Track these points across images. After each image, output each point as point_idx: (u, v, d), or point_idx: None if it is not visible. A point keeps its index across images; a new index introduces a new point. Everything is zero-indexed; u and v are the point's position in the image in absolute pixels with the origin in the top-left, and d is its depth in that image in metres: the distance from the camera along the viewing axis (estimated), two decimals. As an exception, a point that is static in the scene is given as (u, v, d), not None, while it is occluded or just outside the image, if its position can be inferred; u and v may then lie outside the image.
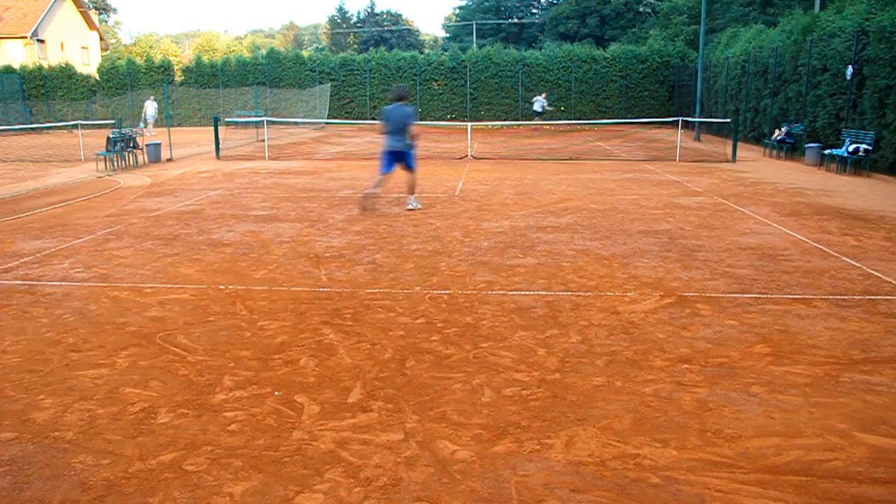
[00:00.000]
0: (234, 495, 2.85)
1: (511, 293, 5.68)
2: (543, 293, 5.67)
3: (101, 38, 48.41)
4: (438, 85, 33.53)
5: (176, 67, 37.30)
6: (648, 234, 7.94)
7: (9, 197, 11.53)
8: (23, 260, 6.93)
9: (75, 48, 43.31)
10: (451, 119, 31.85)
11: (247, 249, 7.31)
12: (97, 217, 9.39)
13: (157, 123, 27.30)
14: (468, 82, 33.12)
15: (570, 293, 5.67)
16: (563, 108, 31.68)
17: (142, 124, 26.67)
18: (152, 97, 28.27)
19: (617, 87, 32.31)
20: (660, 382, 3.93)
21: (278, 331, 4.81)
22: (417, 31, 70.36)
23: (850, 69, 14.51)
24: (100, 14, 56.43)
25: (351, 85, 33.82)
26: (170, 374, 4.09)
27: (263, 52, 37.67)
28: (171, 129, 21.73)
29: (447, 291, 5.73)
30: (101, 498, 2.83)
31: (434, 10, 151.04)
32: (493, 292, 5.71)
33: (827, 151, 14.70)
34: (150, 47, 56.79)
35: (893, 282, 5.96)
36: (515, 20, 58.33)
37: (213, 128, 18.44)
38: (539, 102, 28.83)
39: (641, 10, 48.76)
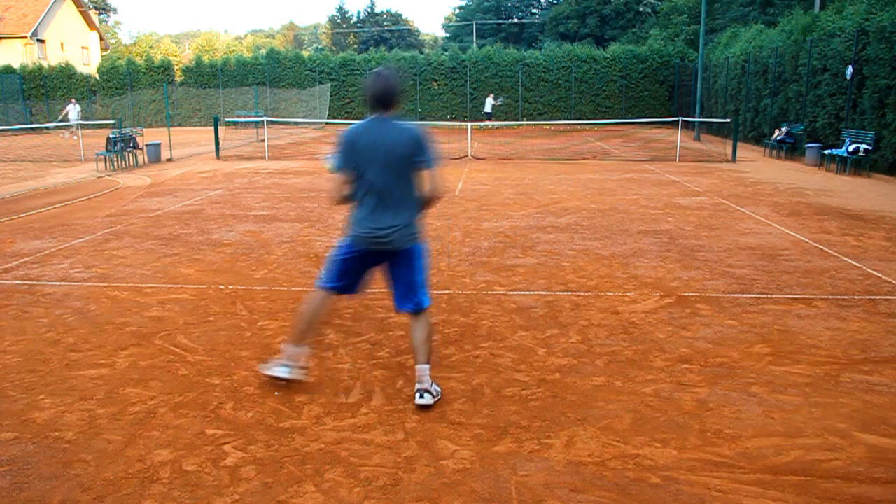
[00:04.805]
0: (234, 495, 2.85)
1: (511, 293, 5.68)
2: (543, 293, 5.67)
3: (101, 38, 48.44)
4: (438, 85, 33.53)
5: (176, 67, 37.32)
6: (648, 234, 7.94)
7: (9, 197, 11.53)
8: (23, 260, 6.93)
9: (75, 48, 43.32)
10: (451, 119, 31.83)
11: (247, 249, 7.31)
12: (97, 217, 9.39)
13: (155, 124, 27.05)
14: (468, 82, 33.11)
15: (570, 293, 5.67)
16: (506, 101, 31.62)
17: (64, 129, 25.01)
18: (74, 99, 27.51)
19: (617, 87, 32.32)
20: (660, 382, 3.93)
21: (278, 331, 4.80)
22: (417, 31, 70.40)
23: (850, 69, 14.51)
24: (100, 14, 56.44)
25: (351, 85, 33.81)
26: (170, 374, 4.09)
27: (263, 52, 37.68)
28: (171, 129, 21.72)
29: (447, 291, 5.73)
30: (100, 498, 2.83)
31: (434, 10, 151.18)
32: (493, 292, 5.70)
33: (827, 151, 14.70)
34: (150, 47, 56.83)
35: (893, 282, 5.96)
36: (515, 20, 58.33)
37: (213, 128, 18.44)
38: (489, 103, 28.68)
39: (641, 10, 48.76)
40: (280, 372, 3.82)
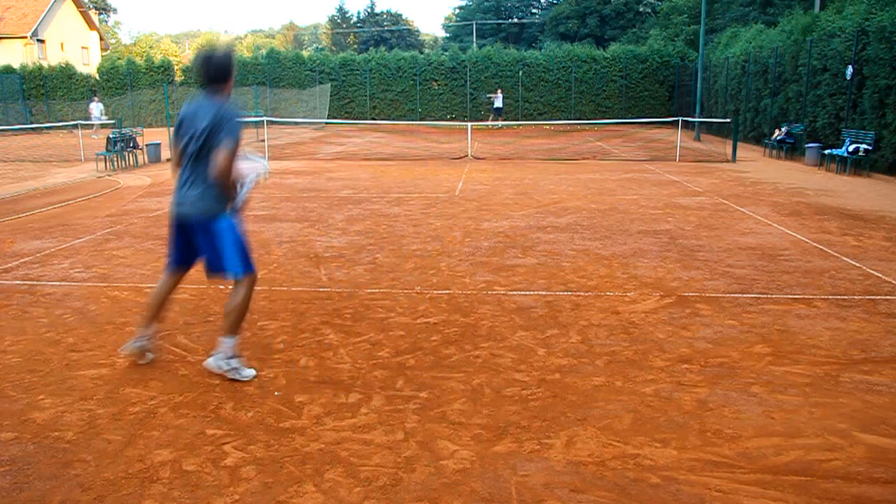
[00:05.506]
0: (234, 495, 2.85)
1: (511, 293, 5.68)
2: (543, 293, 5.67)
3: (101, 38, 48.45)
4: (438, 85, 33.53)
5: (176, 67, 37.28)
6: (648, 234, 7.94)
7: (9, 197, 11.53)
8: (23, 260, 6.93)
9: (75, 48, 43.32)
10: (451, 119, 31.83)
11: (247, 249, 7.31)
12: (97, 217, 9.39)
13: (155, 124, 27.12)
14: (468, 82, 33.11)
15: (570, 293, 5.67)
16: (506, 100, 31.98)
17: (93, 128, 25.51)
18: (97, 98, 27.94)
19: (617, 87, 32.32)
20: (660, 382, 3.93)
21: (278, 331, 4.81)
22: (417, 31, 70.43)
23: (850, 69, 14.51)
24: (100, 14, 56.45)
25: (351, 85, 33.81)
26: (170, 374, 4.09)
27: (263, 52, 37.66)
28: (172, 129, 21.72)
29: (447, 291, 5.73)
30: (100, 498, 2.83)
31: (434, 10, 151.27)
32: (493, 292, 5.70)
33: (827, 151, 14.70)
34: (150, 47, 56.80)
35: (893, 282, 5.96)
36: (515, 20, 58.34)
37: (213, 128, 18.42)
38: (499, 98, 28.93)
39: (641, 10, 48.78)
40: (135, 346, 4.12)
